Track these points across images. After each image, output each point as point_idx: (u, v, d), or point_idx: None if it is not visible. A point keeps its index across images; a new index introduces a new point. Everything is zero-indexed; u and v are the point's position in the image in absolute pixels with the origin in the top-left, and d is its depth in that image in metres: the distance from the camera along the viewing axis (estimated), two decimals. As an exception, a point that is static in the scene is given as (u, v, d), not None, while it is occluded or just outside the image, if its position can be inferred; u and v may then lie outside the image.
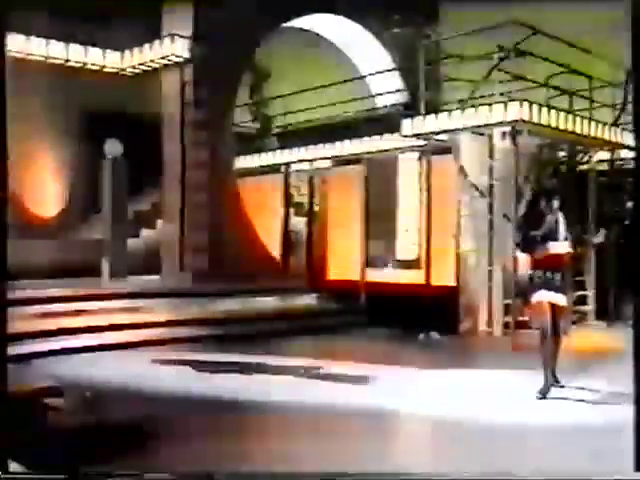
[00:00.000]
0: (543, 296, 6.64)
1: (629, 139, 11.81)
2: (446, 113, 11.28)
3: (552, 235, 6.79)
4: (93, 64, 13.58)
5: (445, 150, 11.77)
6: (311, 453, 4.82)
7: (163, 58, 13.22)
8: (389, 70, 15.83)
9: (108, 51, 13.63)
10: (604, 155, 12.50)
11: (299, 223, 15.56)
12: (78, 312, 9.96)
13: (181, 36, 12.98)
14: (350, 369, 8.05)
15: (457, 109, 11.19)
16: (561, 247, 6.86)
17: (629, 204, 12.38)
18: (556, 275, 6.67)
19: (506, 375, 7.60)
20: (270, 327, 10.78)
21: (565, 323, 6.92)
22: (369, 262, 13.47)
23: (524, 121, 10.55)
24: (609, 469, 4.29)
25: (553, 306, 6.63)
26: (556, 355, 6.74)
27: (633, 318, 3.86)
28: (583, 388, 6.76)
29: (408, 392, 6.95)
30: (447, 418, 5.83)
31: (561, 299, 6.71)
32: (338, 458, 4.69)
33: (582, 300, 11.87)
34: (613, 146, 12.14)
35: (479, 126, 10.91)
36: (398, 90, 15.76)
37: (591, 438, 5.20)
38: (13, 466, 3.67)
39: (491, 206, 11.03)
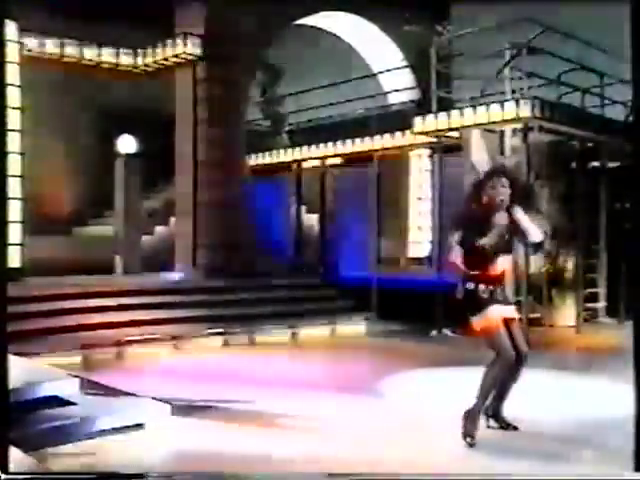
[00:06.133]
0: (496, 312, 5.04)
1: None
2: (458, 110, 11.30)
3: (505, 245, 5.08)
4: (107, 63, 13.66)
5: (456, 147, 11.79)
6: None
7: (176, 56, 13.30)
8: (401, 67, 15.85)
9: (122, 50, 13.72)
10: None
11: (311, 220, 15.64)
12: (95, 308, 10.08)
13: (194, 35, 13.06)
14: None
15: (469, 106, 11.21)
16: (509, 259, 5.24)
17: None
18: (501, 287, 5.12)
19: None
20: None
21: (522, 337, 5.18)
22: (381, 259, 13.52)
23: (535, 118, 10.57)
24: (609, 469, 4.33)
25: (507, 322, 5.11)
26: (506, 386, 5.13)
27: (633, 316, 3.85)
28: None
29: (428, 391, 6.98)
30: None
31: (512, 311, 5.22)
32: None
33: (593, 297, 11.86)
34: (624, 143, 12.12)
35: (491, 123, 10.93)
36: (410, 87, 15.78)
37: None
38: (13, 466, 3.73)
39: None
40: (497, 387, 5.08)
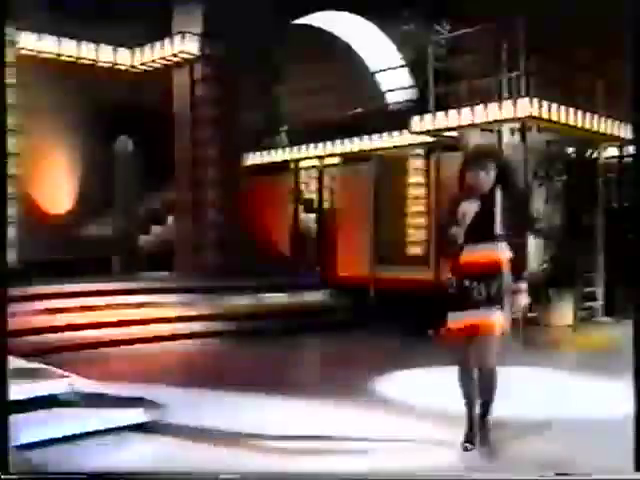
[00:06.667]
0: (457, 318, 4.55)
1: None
2: (455, 109, 11.30)
3: (473, 233, 4.48)
4: (104, 62, 13.63)
5: (454, 147, 11.79)
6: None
7: (174, 56, 13.28)
8: (398, 67, 15.84)
9: (119, 49, 13.69)
10: (613, 151, 12.50)
11: (309, 220, 15.63)
12: (88, 308, 10.04)
13: (192, 34, 13.04)
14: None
15: (466, 105, 11.20)
16: (484, 251, 4.50)
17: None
18: (481, 285, 4.48)
19: (519, 372, 7.44)
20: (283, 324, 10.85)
21: (490, 351, 4.55)
22: (378, 258, 13.52)
23: (533, 117, 10.57)
24: (608, 469, 4.32)
25: (476, 327, 4.51)
26: (489, 393, 4.65)
27: (633, 314, 3.82)
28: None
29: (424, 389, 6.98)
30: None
31: (487, 316, 4.47)
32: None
33: (590, 296, 11.87)
34: (622, 142, 12.15)
35: (489, 122, 10.92)
36: (408, 87, 15.78)
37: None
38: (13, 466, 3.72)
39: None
40: (475, 392, 4.70)
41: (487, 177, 4.49)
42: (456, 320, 4.55)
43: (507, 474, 4.37)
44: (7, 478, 3.57)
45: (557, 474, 4.30)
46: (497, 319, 4.48)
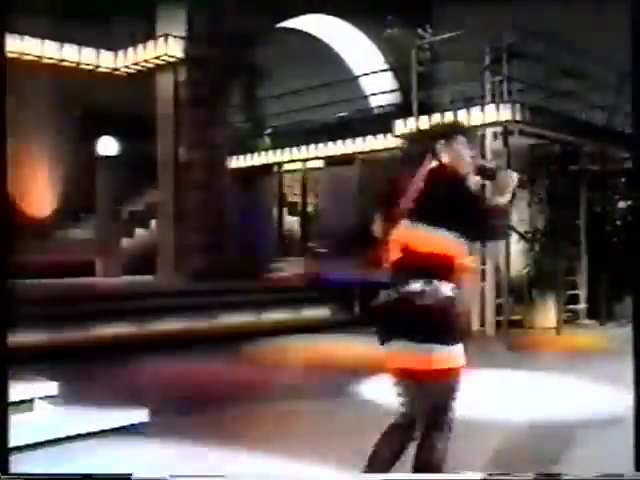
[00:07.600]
0: (392, 350, 3.04)
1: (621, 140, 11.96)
2: (438, 113, 11.32)
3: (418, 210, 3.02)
4: (87, 64, 13.54)
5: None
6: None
7: (157, 58, 13.22)
8: (382, 70, 15.87)
9: (102, 51, 13.59)
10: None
11: (293, 222, 15.62)
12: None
13: (175, 36, 12.99)
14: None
15: (449, 109, 11.24)
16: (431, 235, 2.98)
17: (620, 203, 12.48)
18: (426, 292, 2.97)
19: (503, 374, 7.50)
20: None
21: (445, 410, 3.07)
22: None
23: (516, 121, 10.62)
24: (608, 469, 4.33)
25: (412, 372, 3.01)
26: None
27: (633, 315, 3.76)
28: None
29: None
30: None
31: (423, 354, 2.97)
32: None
33: (574, 299, 11.91)
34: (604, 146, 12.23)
35: (472, 126, 10.94)
36: (391, 90, 15.81)
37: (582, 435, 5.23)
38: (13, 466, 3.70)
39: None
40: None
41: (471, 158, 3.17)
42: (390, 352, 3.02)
43: (507, 474, 4.36)
44: (7, 478, 3.54)
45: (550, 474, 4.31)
46: (447, 358, 3.03)
